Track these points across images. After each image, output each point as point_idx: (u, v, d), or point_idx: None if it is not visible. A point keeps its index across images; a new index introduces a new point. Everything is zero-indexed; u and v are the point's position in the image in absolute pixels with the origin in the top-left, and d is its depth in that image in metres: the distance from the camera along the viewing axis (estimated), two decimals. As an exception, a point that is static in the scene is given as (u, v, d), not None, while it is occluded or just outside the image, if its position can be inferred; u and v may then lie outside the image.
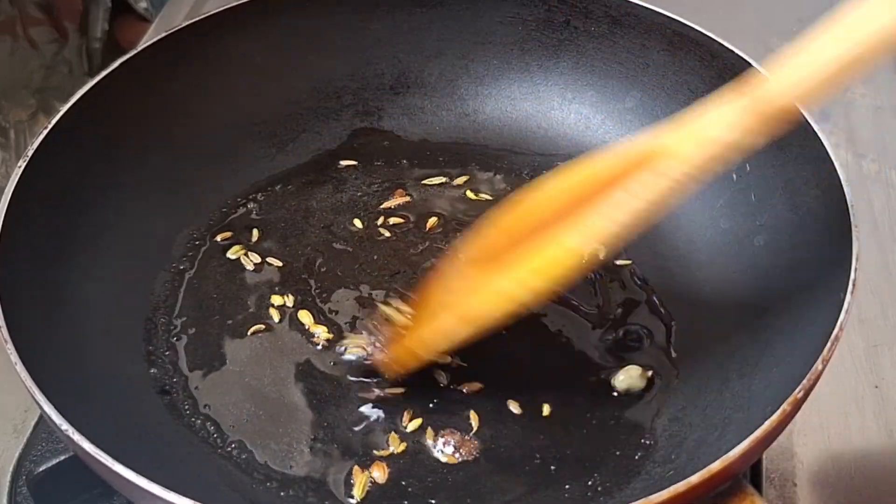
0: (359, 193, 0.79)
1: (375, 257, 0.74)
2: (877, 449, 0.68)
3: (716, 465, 0.49)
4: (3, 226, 0.60)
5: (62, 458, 0.62)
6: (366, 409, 0.64)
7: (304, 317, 0.70)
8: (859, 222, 0.60)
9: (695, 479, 0.48)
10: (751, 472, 0.67)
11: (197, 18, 0.76)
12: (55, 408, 0.52)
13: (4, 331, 0.55)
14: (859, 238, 0.59)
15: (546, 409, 0.64)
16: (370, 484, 0.61)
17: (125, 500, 0.64)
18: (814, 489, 0.66)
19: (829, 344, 0.54)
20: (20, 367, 0.53)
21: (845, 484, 0.67)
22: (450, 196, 0.80)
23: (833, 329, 0.54)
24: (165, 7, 1.12)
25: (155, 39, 0.75)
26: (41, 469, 0.62)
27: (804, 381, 0.52)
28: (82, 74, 1.15)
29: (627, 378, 0.65)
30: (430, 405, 0.64)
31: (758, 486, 0.67)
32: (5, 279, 0.58)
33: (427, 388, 0.65)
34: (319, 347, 0.68)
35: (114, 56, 0.73)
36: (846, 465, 0.68)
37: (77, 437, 0.50)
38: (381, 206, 0.78)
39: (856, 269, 0.57)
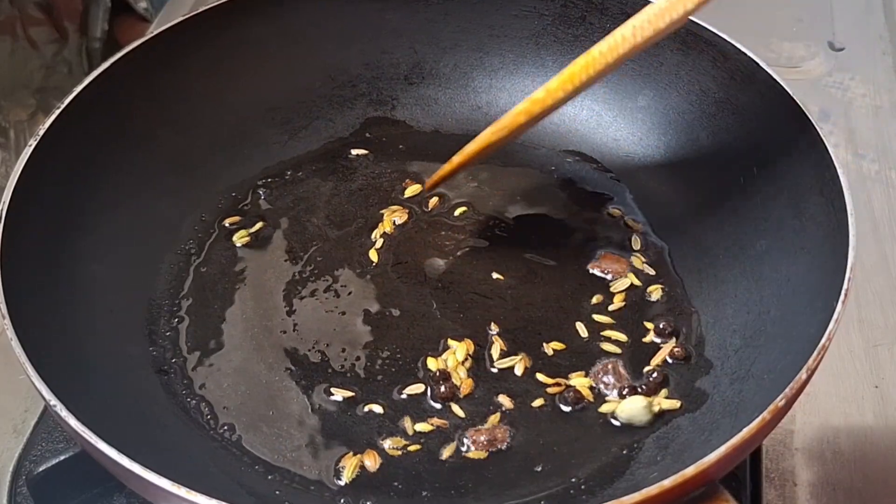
0: (369, 182, 0.80)
1: (382, 247, 0.75)
2: (877, 449, 0.68)
3: (690, 471, 0.49)
4: (10, 203, 0.62)
5: (62, 457, 0.62)
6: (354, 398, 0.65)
7: (307, 304, 0.71)
8: (858, 223, 0.60)
9: (667, 482, 0.49)
10: (750, 472, 0.67)
11: (214, 4, 0.77)
12: (45, 383, 0.53)
13: (3, 307, 0.56)
14: (856, 247, 0.59)
15: (537, 402, 0.64)
16: (359, 470, 0.61)
17: (125, 501, 0.66)
18: (814, 489, 0.66)
19: (815, 353, 0.53)
20: (15, 343, 0.54)
21: (845, 484, 0.66)
22: (460, 188, 0.80)
23: (821, 339, 0.54)
24: (165, 7, 1.13)
25: (171, 24, 0.76)
26: (41, 469, 0.63)
27: (786, 390, 0.52)
28: (82, 74, 1.15)
29: (630, 409, 0.63)
30: (424, 398, 0.65)
31: (757, 485, 0.67)
32: (8, 255, 0.59)
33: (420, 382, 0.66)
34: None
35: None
36: (846, 465, 0.67)
37: (64, 412, 0.52)
38: (391, 196, 0.79)
39: (850, 280, 0.57)
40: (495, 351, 0.67)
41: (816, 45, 1.02)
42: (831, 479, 0.67)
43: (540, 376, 0.66)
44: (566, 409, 0.64)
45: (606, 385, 0.65)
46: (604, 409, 0.64)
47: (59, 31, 1.12)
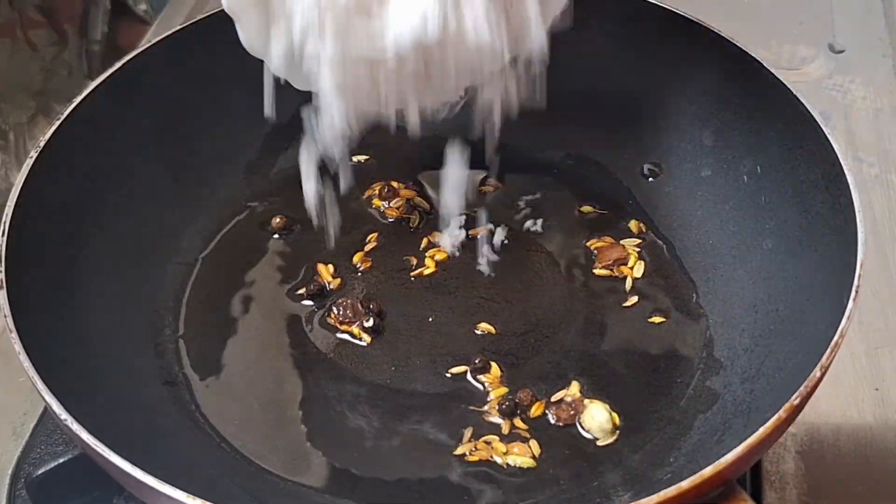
0: (370, 187, 0.80)
1: (385, 252, 0.75)
2: (878, 452, 0.68)
3: (708, 471, 0.49)
4: (12, 216, 0.61)
5: (61, 460, 0.62)
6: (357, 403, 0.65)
7: (313, 313, 0.70)
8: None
9: (685, 484, 0.48)
10: (751, 474, 0.66)
11: (213, 12, 0.77)
12: (56, 398, 0.52)
13: (10, 321, 0.56)
14: (865, 244, 0.59)
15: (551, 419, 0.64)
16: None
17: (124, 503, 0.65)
18: (814, 492, 0.66)
19: (828, 351, 0.53)
20: (23, 357, 0.54)
21: (846, 486, 0.66)
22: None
23: (833, 335, 0.54)
24: (165, 9, 1.13)
25: (169, 32, 0.75)
26: (40, 472, 0.62)
27: (801, 389, 0.52)
28: (82, 77, 1.15)
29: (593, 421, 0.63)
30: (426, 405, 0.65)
31: (757, 488, 0.66)
32: (13, 269, 0.59)
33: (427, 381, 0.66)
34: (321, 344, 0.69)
35: (113, 59, 0.73)
36: (847, 467, 0.67)
37: (76, 426, 0.51)
38: (393, 201, 0.79)
39: (860, 276, 0.57)
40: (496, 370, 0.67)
41: (816, 47, 1.02)
42: (832, 481, 0.67)
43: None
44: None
45: None
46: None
47: (58, 34, 1.11)
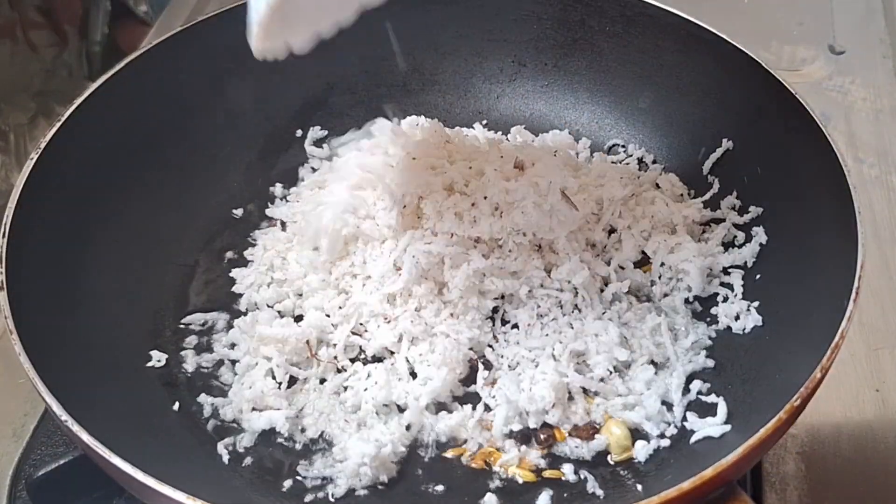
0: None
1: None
2: (878, 451, 0.68)
3: (708, 472, 0.49)
4: (13, 218, 0.61)
5: (61, 461, 0.62)
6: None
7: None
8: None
9: (686, 485, 0.48)
10: (751, 475, 0.66)
11: (212, 13, 0.77)
12: (56, 398, 0.53)
13: (10, 321, 0.56)
14: (865, 245, 0.58)
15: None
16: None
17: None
18: (814, 492, 0.66)
19: (828, 352, 0.53)
20: (23, 357, 0.54)
21: (846, 487, 0.66)
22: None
23: (834, 337, 0.54)
24: (165, 11, 1.13)
25: (169, 35, 0.75)
26: (40, 473, 0.62)
27: (802, 390, 0.52)
28: (82, 78, 1.15)
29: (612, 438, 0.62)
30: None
31: (758, 489, 0.66)
32: (13, 270, 0.59)
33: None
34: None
35: (114, 59, 0.73)
36: (847, 468, 0.67)
37: (76, 427, 0.51)
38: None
39: (860, 277, 0.57)
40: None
41: (817, 48, 1.02)
42: (833, 482, 0.67)
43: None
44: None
45: None
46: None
47: (59, 35, 1.12)
